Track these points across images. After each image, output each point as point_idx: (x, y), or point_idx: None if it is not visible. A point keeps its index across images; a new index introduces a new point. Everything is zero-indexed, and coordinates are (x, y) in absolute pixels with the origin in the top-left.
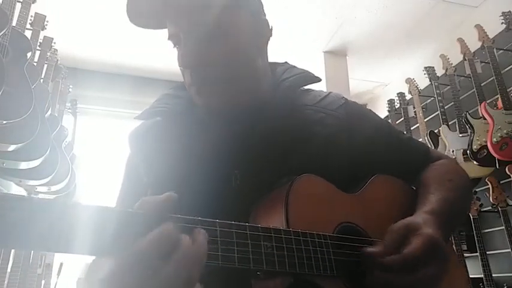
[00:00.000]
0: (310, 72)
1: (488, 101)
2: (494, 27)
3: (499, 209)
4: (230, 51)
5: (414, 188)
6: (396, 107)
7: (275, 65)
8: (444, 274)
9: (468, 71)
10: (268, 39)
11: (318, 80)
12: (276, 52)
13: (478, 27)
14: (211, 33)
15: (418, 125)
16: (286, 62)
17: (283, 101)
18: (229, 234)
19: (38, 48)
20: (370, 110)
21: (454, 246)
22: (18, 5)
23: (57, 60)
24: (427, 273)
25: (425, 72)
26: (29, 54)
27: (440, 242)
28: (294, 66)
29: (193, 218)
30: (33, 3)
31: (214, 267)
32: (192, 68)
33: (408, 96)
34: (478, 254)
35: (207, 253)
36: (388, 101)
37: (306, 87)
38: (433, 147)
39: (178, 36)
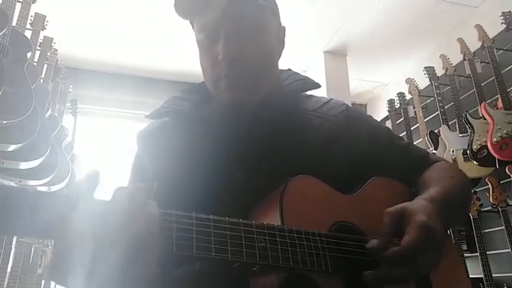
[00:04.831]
0: (310, 79)
1: (488, 101)
2: (494, 27)
3: (499, 209)
4: (265, 49)
5: (414, 190)
6: (396, 107)
7: (279, 71)
8: (438, 261)
9: (468, 71)
10: (283, 47)
11: (318, 86)
12: None
13: (478, 27)
14: (253, 28)
15: (418, 125)
16: (289, 69)
17: (285, 105)
18: (223, 229)
19: (38, 48)
20: (370, 116)
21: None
22: (18, 5)
23: (57, 60)
24: (422, 262)
25: (425, 72)
26: (29, 54)
27: (434, 229)
28: (297, 73)
29: (189, 214)
30: (33, 3)
31: (209, 259)
32: (234, 59)
33: (408, 96)
34: (478, 254)
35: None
36: (388, 101)
37: (308, 93)
38: (433, 147)
39: (217, 28)
